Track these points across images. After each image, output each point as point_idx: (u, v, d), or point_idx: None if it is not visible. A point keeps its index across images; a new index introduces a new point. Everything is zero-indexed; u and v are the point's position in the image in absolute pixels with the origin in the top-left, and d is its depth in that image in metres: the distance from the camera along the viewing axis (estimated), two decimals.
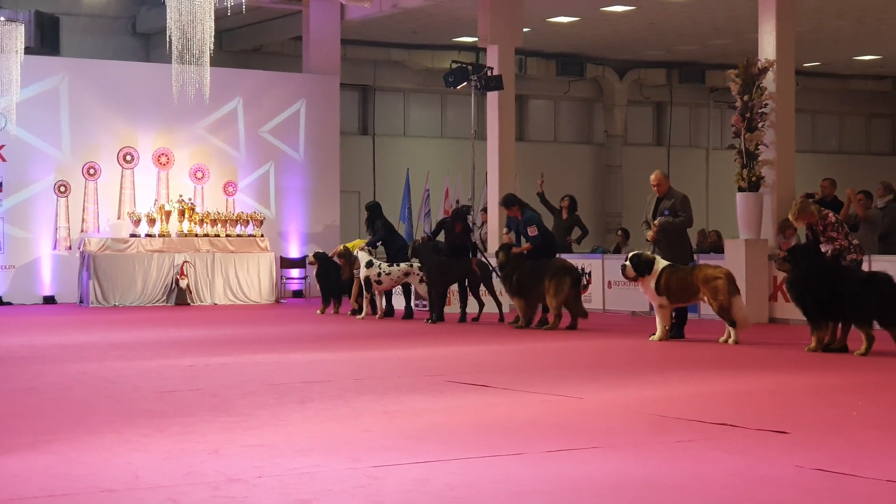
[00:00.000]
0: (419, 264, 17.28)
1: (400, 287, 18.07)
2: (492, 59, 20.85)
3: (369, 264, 17.55)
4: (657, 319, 13.73)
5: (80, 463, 6.24)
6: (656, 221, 13.89)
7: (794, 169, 17.79)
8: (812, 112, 33.12)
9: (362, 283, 17.78)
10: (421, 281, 17.30)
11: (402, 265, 17.40)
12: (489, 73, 19.96)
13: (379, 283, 17.62)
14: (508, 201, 16.21)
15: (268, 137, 24.05)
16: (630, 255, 13.96)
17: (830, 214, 12.48)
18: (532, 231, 15.66)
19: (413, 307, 17.99)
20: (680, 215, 13.89)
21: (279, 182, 24.20)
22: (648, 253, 13.83)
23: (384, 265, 17.51)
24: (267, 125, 24.04)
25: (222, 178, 23.50)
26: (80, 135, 22.48)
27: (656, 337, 13.60)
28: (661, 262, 13.61)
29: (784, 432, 7.14)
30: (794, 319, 13.56)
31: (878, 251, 16.48)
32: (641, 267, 13.59)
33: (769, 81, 17.08)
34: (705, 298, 13.39)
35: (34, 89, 21.98)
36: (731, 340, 13.23)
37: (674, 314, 13.90)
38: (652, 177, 14.19)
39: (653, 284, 13.53)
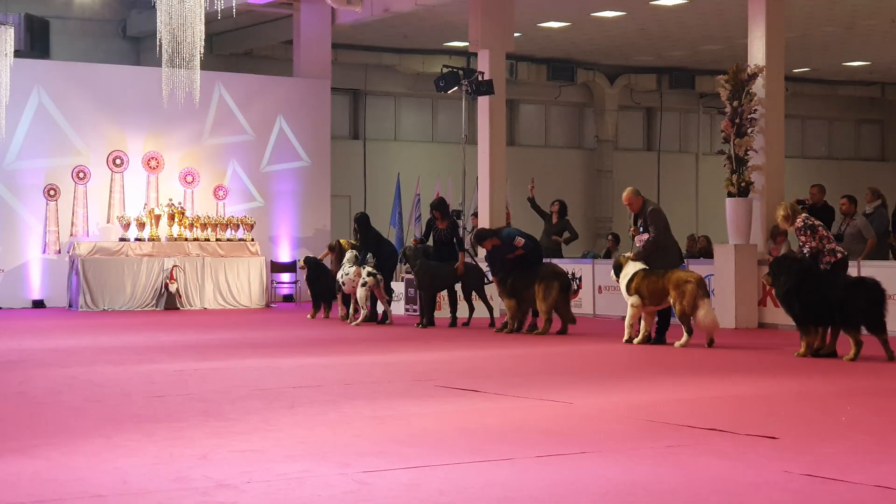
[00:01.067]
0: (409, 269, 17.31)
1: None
2: (483, 64, 20.86)
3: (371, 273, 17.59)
4: (626, 317, 13.82)
5: (69, 468, 6.22)
6: (631, 255, 13.96)
7: (784, 174, 17.82)
8: (801, 118, 33.19)
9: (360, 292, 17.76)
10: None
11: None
12: (480, 78, 19.97)
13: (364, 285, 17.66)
14: (480, 237, 16.05)
15: (258, 139, 24.03)
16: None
17: (799, 219, 12.48)
18: (519, 243, 15.57)
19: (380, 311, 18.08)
20: (650, 231, 13.87)
21: (270, 186, 24.16)
22: (624, 256, 14.01)
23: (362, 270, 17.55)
24: (258, 128, 24.02)
25: (212, 182, 23.46)
26: (69, 138, 22.43)
27: (626, 338, 13.84)
28: (635, 266, 13.73)
29: (773, 437, 7.15)
30: (784, 325, 13.60)
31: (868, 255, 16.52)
32: (615, 270, 14.09)
33: (759, 87, 17.11)
34: (671, 300, 13.46)
35: (23, 92, 21.94)
36: (679, 343, 13.33)
37: (656, 319, 13.97)
38: (623, 197, 14.28)
39: (625, 284, 13.72)
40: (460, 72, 20.02)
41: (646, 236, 13.89)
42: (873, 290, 11.82)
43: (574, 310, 16.20)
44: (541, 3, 22.95)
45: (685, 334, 13.44)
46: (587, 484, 5.90)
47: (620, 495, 5.67)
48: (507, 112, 22.94)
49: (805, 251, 12.33)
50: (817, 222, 12.59)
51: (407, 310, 19.28)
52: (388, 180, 26.56)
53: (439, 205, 17.72)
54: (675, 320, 13.90)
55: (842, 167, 33.33)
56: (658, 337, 13.90)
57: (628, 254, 14.24)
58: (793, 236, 13.37)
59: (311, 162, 24.41)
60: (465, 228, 20.80)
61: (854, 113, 34.60)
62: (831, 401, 9.11)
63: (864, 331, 11.87)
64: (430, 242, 17.69)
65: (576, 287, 18.78)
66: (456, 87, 19.81)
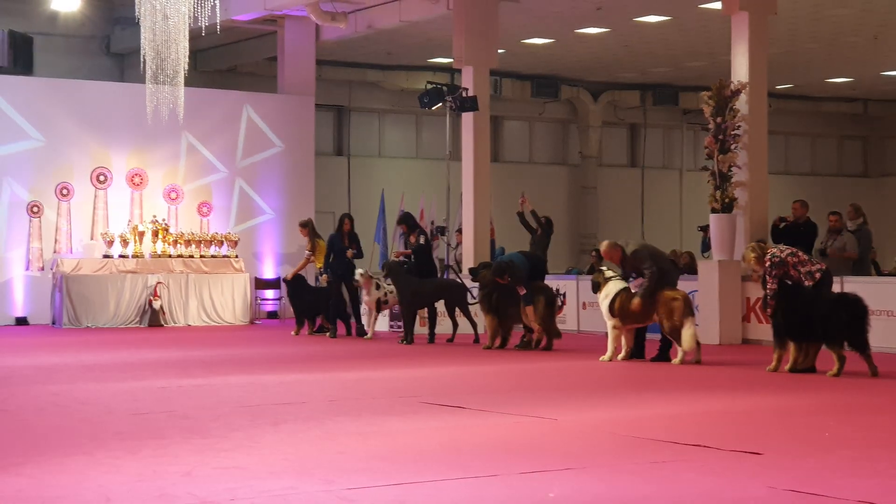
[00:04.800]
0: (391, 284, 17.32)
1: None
2: (467, 80, 20.89)
3: (377, 287, 17.66)
4: (609, 340, 13.83)
5: (52, 486, 6.19)
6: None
7: (767, 190, 17.88)
8: (785, 134, 33.33)
9: (374, 304, 17.84)
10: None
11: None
12: (464, 94, 20.01)
13: (386, 303, 17.77)
14: (499, 271, 15.91)
15: (241, 156, 24.00)
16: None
17: (766, 259, 12.48)
18: (521, 291, 15.51)
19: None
20: (645, 273, 13.74)
21: (253, 203, 24.14)
22: (603, 274, 13.97)
23: (386, 285, 17.61)
24: (243, 145, 24.01)
25: (196, 199, 23.43)
26: (53, 155, 22.38)
27: (605, 357, 13.77)
28: (618, 285, 13.74)
29: (757, 453, 7.15)
30: (767, 340, 13.64)
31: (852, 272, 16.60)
32: (593, 287, 14.10)
33: (742, 103, 17.18)
34: (657, 317, 13.48)
35: (6, 108, 21.91)
36: (676, 361, 13.33)
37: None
38: (602, 252, 14.23)
39: (606, 305, 13.70)
40: (444, 88, 20.05)
41: (640, 280, 13.75)
42: (856, 306, 11.87)
43: (558, 326, 16.20)
44: (525, 19, 23.02)
45: (680, 351, 13.41)
46: (571, 500, 5.89)
47: None
48: (491, 128, 22.97)
49: (767, 290, 12.34)
50: (784, 255, 12.51)
51: (391, 326, 19.27)
52: (373, 197, 26.56)
53: (404, 219, 18.09)
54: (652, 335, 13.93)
55: (825, 183, 33.46)
56: (639, 353, 13.92)
57: (608, 271, 14.19)
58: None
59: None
60: (449, 245, 20.81)
61: (837, 129, 34.75)
62: (815, 416, 9.12)
63: (846, 346, 11.92)
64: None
65: (560, 303, 18.79)
66: (440, 104, 19.84)
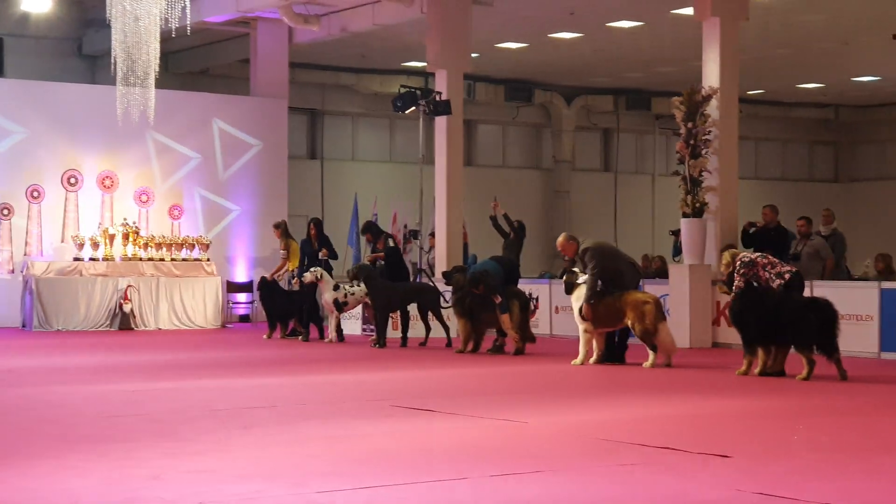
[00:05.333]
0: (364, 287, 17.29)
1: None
2: (440, 84, 20.91)
3: (335, 287, 17.59)
4: (580, 343, 13.87)
5: (20, 489, 6.16)
6: (584, 311, 13.78)
7: (738, 195, 17.96)
8: (755, 139, 33.48)
9: (332, 305, 17.77)
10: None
11: (363, 286, 17.33)
12: (438, 98, 20.01)
13: (345, 304, 17.70)
14: (474, 281, 15.92)
15: (218, 159, 23.94)
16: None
17: (737, 261, 12.62)
18: (497, 299, 15.53)
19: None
20: (587, 272, 13.81)
21: (226, 204, 24.07)
22: (576, 275, 14.02)
23: (348, 286, 17.54)
24: (216, 147, 23.94)
25: (167, 202, 23.34)
26: (23, 157, 22.27)
27: (577, 361, 13.80)
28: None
29: (726, 456, 7.19)
30: (737, 344, 13.72)
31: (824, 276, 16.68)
32: (566, 289, 14.14)
33: (713, 109, 17.25)
34: (630, 322, 13.52)
35: None
36: (648, 364, 13.37)
37: (616, 337, 14.04)
38: (557, 244, 14.38)
39: (577, 309, 13.74)
40: (418, 92, 20.05)
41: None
42: (825, 311, 11.95)
43: (532, 330, 16.22)
44: (498, 23, 23.06)
45: (651, 354, 13.48)
46: (541, 502, 5.90)
47: None
48: (464, 132, 22.98)
49: (734, 288, 12.45)
50: (755, 255, 12.75)
51: (364, 329, 19.25)
52: (346, 200, 26.53)
53: (367, 227, 18.24)
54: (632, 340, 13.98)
55: (795, 188, 33.64)
56: (617, 357, 13.95)
57: (580, 274, 14.20)
58: None
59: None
60: (422, 248, 20.81)
61: (807, 135, 34.94)
62: (784, 420, 9.17)
63: (816, 351, 11.99)
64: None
65: (533, 307, 18.82)
66: (413, 108, 19.83)
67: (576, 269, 14.47)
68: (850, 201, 33.32)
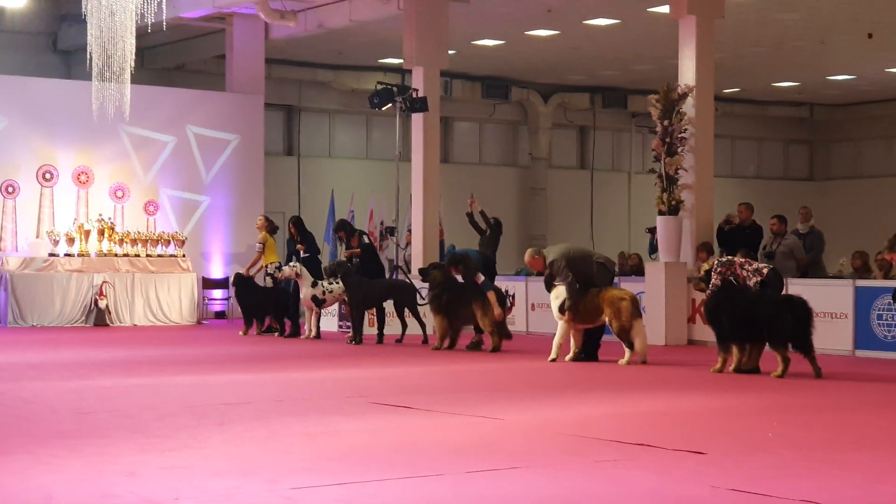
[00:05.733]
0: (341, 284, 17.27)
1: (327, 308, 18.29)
2: (417, 81, 20.90)
3: (314, 284, 17.56)
4: (556, 337, 13.88)
5: None
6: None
7: (713, 193, 18.03)
8: (731, 137, 33.59)
9: (311, 302, 17.75)
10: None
11: (341, 283, 17.31)
12: (414, 95, 20.00)
13: (324, 301, 17.67)
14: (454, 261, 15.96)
15: (195, 154, 23.85)
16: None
17: (714, 262, 12.75)
18: (479, 279, 15.62)
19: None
20: (559, 281, 13.85)
21: (202, 201, 23.99)
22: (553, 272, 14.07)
23: (326, 283, 17.50)
24: (193, 143, 23.85)
25: (143, 198, 23.24)
26: None
27: (552, 357, 13.85)
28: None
29: (701, 453, 7.22)
30: (713, 342, 13.77)
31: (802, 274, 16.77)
32: (546, 285, 14.09)
33: (689, 107, 17.30)
34: (606, 319, 13.56)
35: None
36: (623, 361, 13.41)
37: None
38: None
39: (556, 305, 13.77)
40: (395, 89, 20.03)
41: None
42: (800, 309, 12.01)
43: (508, 327, 16.24)
44: (475, 21, 23.06)
45: (627, 351, 13.51)
46: (517, 499, 5.91)
47: None
48: (441, 129, 22.98)
49: (710, 285, 12.51)
50: (731, 257, 12.96)
51: (340, 326, 19.23)
52: (322, 197, 26.49)
53: (340, 226, 18.35)
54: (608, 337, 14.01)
55: (771, 186, 33.77)
56: (590, 354, 13.98)
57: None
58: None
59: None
60: (399, 245, 20.80)
61: (783, 133, 35.08)
62: (759, 417, 9.20)
63: (791, 348, 12.05)
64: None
65: (509, 304, 18.83)
66: (390, 104, 19.82)
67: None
68: (824, 199, 33.48)
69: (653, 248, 20.42)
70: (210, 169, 23.95)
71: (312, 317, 17.87)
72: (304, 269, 17.77)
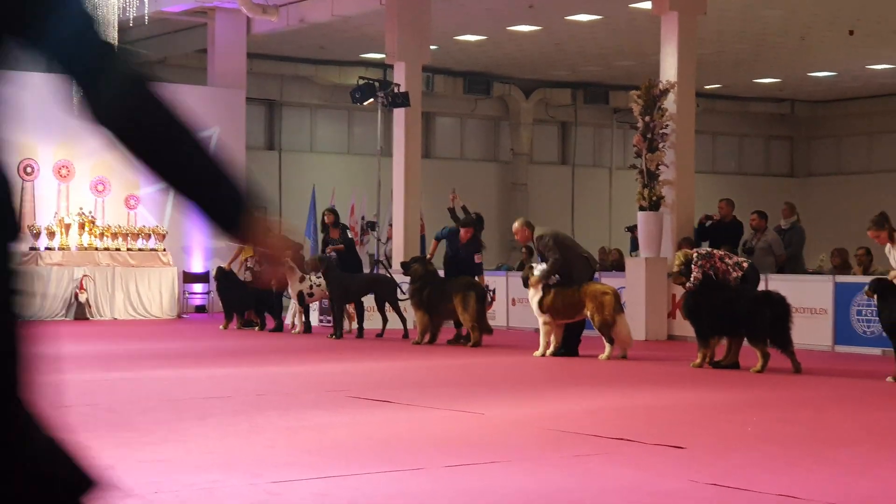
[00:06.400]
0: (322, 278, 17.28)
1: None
2: (399, 76, 20.89)
3: (301, 279, 17.57)
4: (540, 335, 13.93)
5: None
6: (533, 280, 13.96)
7: (694, 189, 18.08)
8: (712, 133, 33.68)
9: (296, 297, 17.80)
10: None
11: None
12: (396, 90, 20.01)
13: (311, 295, 17.68)
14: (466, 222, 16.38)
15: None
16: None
17: (692, 255, 12.78)
18: (478, 259, 15.93)
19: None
20: (548, 258, 13.94)
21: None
22: (533, 269, 14.06)
23: (314, 277, 17.50)
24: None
25: (124, 192, 23.17)
26: None
27: (538, 353, 13.84)
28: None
29: (680, 447, 7.24)
30: (693, 337, 13.82)
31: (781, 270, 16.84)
32: (524, 282, 14.16)
33: (670, 103, 17.35)
34: (589, 313, 13.59)
35: None
36: (604, 356, 13.45)
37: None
38: (513, 229, 14.47)
39: (536, 302, 13.79)
40: (376, 84, 20.04)
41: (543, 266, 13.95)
42: (778, 305, 12.06)
43: (489, 321, 16.26)
44: (457, 16, 23.06)
45: (608, 346, 13.55)
46: (496, 493, 5.92)
47: (529, 503, 5.72)
48: (422, 124, 22.98)
49: (691, 279, 12.54)
50: (710, 249, 13.00)
51: (321, 321, 19.23)
52: (304, 192, 26.47)
53: (332, 211, 18.40)
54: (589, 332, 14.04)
55: (751, 183, 33.88)
56: (570, 350, 14.00)
57: (537, 267, 14.27)
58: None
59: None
60: (379, 240, 20.81)
61: (764, 129, 35.19)
62: (738, 412, 9.24)
63: (769, 343, 12.10)
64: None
65: (490, 299, 18.86)
66: (372, 99, 19.82)
67: (533, 264, 14.52)
68: (805, 196, 33.58)
69: (634, 246, 20.48)
70: None
71: (300, 311, 17.91)
72: (294, 264, 17.80)
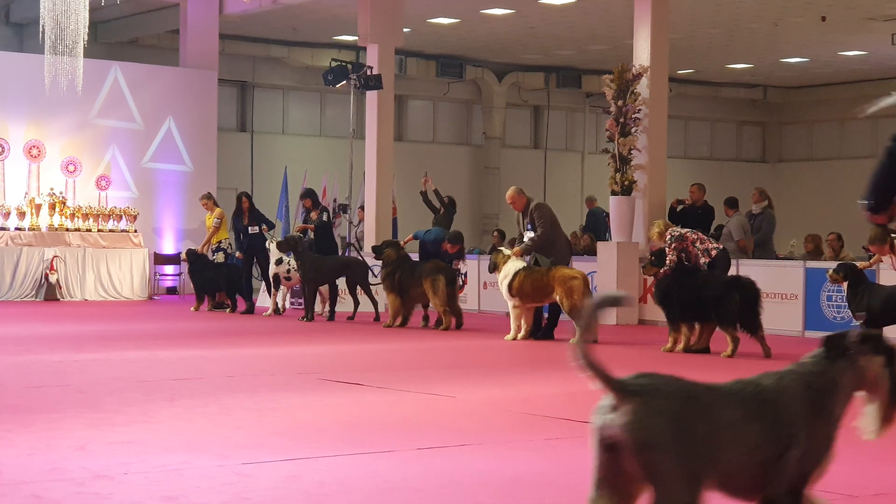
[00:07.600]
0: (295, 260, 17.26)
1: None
2: (371, 59, 20.84)
3: (279, 261, 17.55)
4: (511, 319, 13.97)
5: None
6: (516, 249, 14.06)
7: (666, 174, 18.13)
8: (685, 118, 33.76)
9: (271, 280, 17.82)
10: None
11: None
12: (369, 73, 19.96)
13: (288, 279, 17.68)
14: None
15: (146, 131, 23.68)
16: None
17: (667, 233, 12.83)
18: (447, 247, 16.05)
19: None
20: (537, 228, 14.01)
21: (154, 177, 23.84)
22: (501, 255, 14.07)
23: (293, 261, 17.46)
24: (136, 118, 23.68)
25: (95, 172, 23.05)
26: None
27: (510, 336, 13.88)
28: (516, 264, 13.84)
29: None
30: (664, 321, 13.90)
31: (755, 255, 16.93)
32: (490, 267, 14.22)
33: (643, 87, 17.38)
34: (557, 297, 13.62)
35: None
36: (574, 340, 13.47)
37: (546, 315, 14.16)
38: (507, 196, 14.49)
39: (505, 285, 13.81)
40: (349, 66, 19.97)
41: (532, 234, 14.02)
42: (748, 290, 12.12)
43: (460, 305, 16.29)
44: None
45: (578, 330, 13.56)
46: (466, 475, 5.95)
47: (500, 486, 5.74)
48: (395, 107, 22.95)
49: (667, 262, 12.60)
50: (684, 230, 12.97)
51: (293, 303, 19.20)
52: (276, 173, 26.41)
53: (308, 193, 18.49)
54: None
55: (723, 168, 34.00)
56: (546, 333, 14.04)
57: (506, 251, 14.31)
58: None
59: (192, 168, 24.07)
60: (351, 222, 20.78)
61: (736, 115, 35.31)
62: None
63: (739, 328, 12.17)
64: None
65: (461, 283, 18.88)
66: (344, 82, 19.76)
67: (502, 248, 14.55)
68: (777, 181, 33.73)
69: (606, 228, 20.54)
70: (155, 140, 23.78)
71: (276, 294, 17.93)
72: (273, 247, 17.76)
